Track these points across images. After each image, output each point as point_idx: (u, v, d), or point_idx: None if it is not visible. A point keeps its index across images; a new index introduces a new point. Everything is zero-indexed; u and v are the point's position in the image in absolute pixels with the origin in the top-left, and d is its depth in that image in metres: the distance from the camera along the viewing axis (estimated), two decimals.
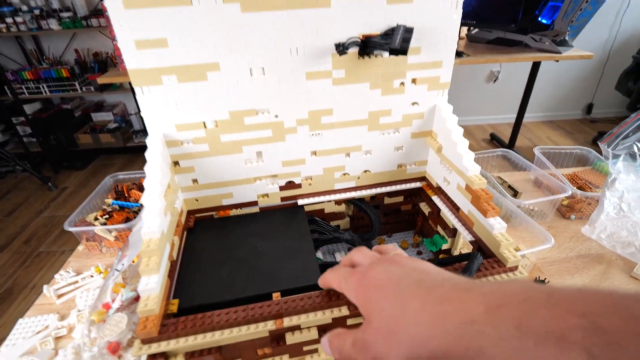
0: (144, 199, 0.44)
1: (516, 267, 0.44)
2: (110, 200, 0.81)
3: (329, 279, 0.37)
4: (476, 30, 2.20)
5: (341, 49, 0.46)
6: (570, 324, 0.19)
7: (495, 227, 0.45)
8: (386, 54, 0.50)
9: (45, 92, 2.69)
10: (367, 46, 0.48)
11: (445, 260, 0.51)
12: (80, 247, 0.75)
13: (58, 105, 2.95)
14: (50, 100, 2.97)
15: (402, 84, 0.53)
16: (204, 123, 0.51)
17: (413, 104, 0.55)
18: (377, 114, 0.55)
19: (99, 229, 0.70)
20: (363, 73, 0.51)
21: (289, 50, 0.47)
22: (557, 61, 2.10)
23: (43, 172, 2.64)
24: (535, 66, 2.36)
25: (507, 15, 1.94)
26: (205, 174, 0.55)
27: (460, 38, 2.36)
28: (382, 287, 0.29)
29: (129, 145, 2.88)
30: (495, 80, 2.99)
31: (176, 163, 0.53)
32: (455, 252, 0.59)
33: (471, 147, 0.50)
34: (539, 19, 1.93)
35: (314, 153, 0.57)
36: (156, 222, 0.43)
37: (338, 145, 0.57)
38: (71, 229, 0.69)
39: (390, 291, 0.28)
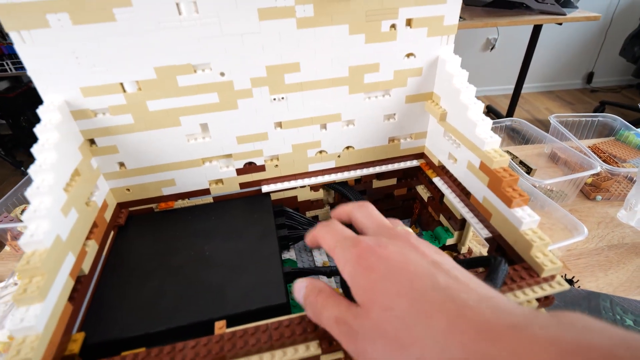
0: (29, 192, 0.31)
1: (553, 277, 0.32)
2: None
3: (320, 237, 0.29)
4: None
5: None
6: None
7: (525, 220, 0.32)
8: None
9: (11, 69, 2.50)
10: None
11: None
12: (7, 248, 0.62)
13: (27, 83, 2.74)
14: (19, 79, 2.76)
15: (394, 26, 0.39)
16: (122, 85, 0.37)
17: (408, 55, 0.42)
18: (361, 70, 0.41)
19: (23, 226, 0.57)
20: (339, 10, 0.37)
21: None
22: (560, 24, 1.95)
23: (17, 156, 2.48)
24: (536, 32, 2.20)
25: None
26: (134, 155, 0.41)
27: None
28: (394, 277, 0.22)
29: None
30: (492, 49, 2.82)
31: (92, 142, 0.40)
32: (464, 249, 0.46)
33: None
34: None
35: (279, 125, 0.43)
36: (44, 227, 0.30)
37: (310, 114, 0.43)
38: None
39: (405, 288, 0.22)
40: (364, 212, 0.29)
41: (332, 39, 0.38)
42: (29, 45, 0.33)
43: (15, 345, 0.26)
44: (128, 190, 0.44)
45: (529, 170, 0.71)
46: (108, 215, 0.42)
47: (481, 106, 0.38)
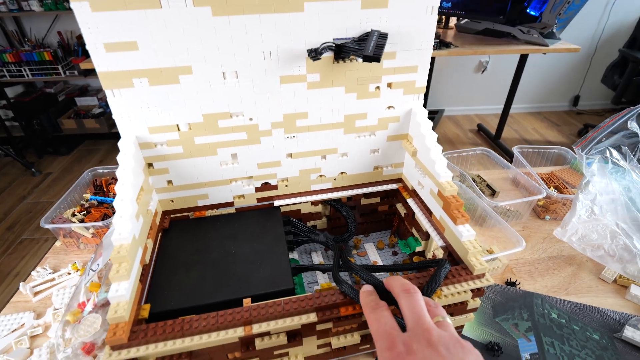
0: (116, 203, 0.44)
1: (483, 275, 0.45)
2: (88, 195, 0.80)
3: (368, 322, 0.36)
4: (465, 20, 2.18)
5: (314, 55, 0.45)
6: None
7: (464, 234, 0.46)
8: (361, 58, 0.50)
9: (28, 75, 2.62)
10: (341, 51, 0.48)
11: (415, 265, 0.52)
12: (57, 243, 0.75)
13: (41, 89, 2.87)
14: (33, 84, 2.89)
15: (378, 88, 0.53)
16: (178, 126, 0.50)
17: (389, 107, 0.55)
18: (353, 117, 0.55)
19: (76, 227, 0.70)
20: (338, 77, 0.51)
21: (262, 54, 0.47)
22: (545, 53, 2.11)
23: (27, 157, 2.59)
24: (523, 58, 2.37)
25: (496, 7, 1.93)
26: (180, 175, 0.55)
27: (449, 28, 2.35)
28: None
29: (113, 131, 2.82)
30: (483, 71, 2.98)
31: (150, 165, 0.53)
32: (429, 255, 0.60)
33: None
34: (527, 10, 1.93)
35: (290, 155, 0.57)
36: (127, 228, 0.43)
37: (314, 148, 0.57)
38: (48, 226, 0.69)
39: None
40: (410, 301, 0.34)
41: (332, 96, 0.52)
42: (117, 98, 0.46)
43: (112, 307, 0.39)
44: (172, 201, 0.57)
45: (493, 192, 0.84)
46: (157, 220, 0.55)
47: (440, 149, 0.51)
